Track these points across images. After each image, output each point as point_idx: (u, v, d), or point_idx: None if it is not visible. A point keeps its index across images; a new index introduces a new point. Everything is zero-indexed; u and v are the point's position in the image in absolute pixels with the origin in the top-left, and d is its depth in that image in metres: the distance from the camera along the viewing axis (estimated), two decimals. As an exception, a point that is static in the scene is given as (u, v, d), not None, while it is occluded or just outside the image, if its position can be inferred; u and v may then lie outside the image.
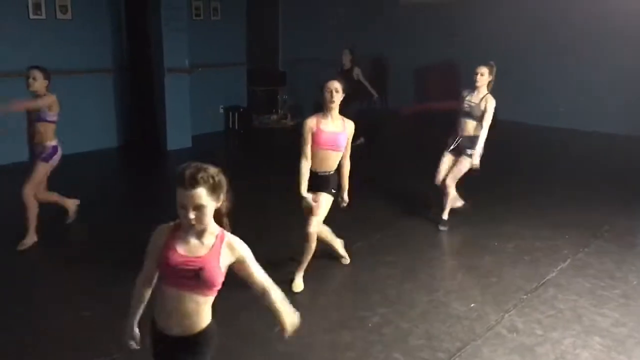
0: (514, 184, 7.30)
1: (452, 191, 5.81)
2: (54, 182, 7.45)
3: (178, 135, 9.11)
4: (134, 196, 6.32)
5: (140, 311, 2.61)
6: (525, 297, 4.50)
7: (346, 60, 9.02)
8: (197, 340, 2.47)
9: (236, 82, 10.69)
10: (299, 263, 4.58)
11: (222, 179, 2.39)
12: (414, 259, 5.23)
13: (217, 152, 8.99)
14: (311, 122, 4.49)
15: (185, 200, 2.26)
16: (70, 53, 8.41)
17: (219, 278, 2.37)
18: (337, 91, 4.51)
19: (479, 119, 5.61)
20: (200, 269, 2.32)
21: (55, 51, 8.26)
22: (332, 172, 4.54)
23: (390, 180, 7.44)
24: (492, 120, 5.67)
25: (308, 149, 4.44)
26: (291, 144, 10.71)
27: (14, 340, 3.82)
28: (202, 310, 2.44)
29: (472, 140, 5.64)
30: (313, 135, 4.44)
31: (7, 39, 7.86)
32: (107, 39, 8.91)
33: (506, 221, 6.08)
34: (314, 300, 4.44)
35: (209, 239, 2.38)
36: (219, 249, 2.37)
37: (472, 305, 4.37)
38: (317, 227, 4.49)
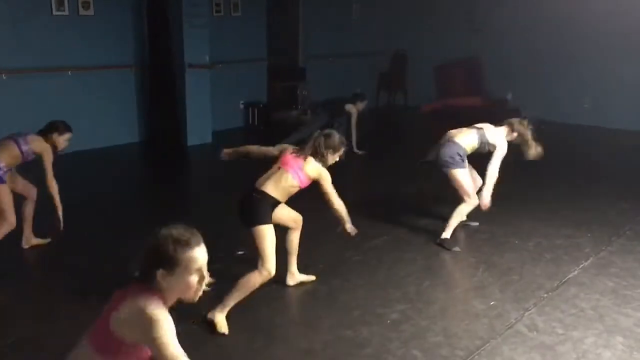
0: (535, 182, 7.21)
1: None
2: (76, 177, 7.55)
3: (198, 130, 9.15)
4: (154, 190, 6.37)
5: None
6: (546, 295, 4.45)
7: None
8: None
9: (256, 77, 10.70)
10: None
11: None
12: (433, 255, 5.20)
13: (236, 147, 8.99)
14: None
15: (202, 262, 1.99)
16: (92, 49, 8.48)
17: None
18: None
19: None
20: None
21: (78, 47, 8.35)
22: None
23: (410, 178, 7.40)
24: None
25: None
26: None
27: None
28: None
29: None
30: None
31: (31, 35, 7.95)
32: (129, 35, 8.98)
33: (527, 219, 6.01)
34: (332, 296, 4.44)
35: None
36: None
37: (492, 303, 4.33)
38: None
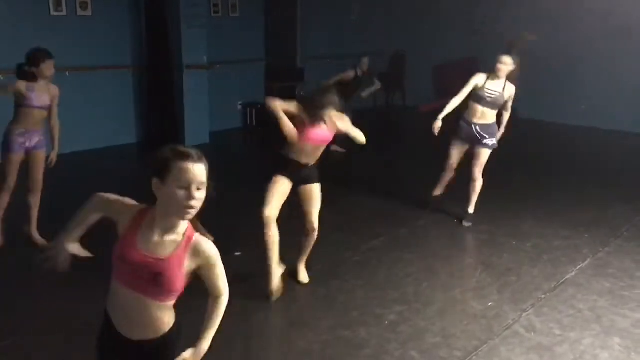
0: (533, 183, 7.23)
1: (479, 184, 5.78)
2: (74, 177, 7.54)
3: (196, 131, 9.13)
4: (152, 191, 6.34)
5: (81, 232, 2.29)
6: (544, 296, 4.46)
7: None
8: (153, 346, 2.14)
9: (254, 78, 10.69)
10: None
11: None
12: (432, 256, 5.21)
13: (234, 149, 9.01)
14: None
15: (190, 176, 1.94)
16: (90, 49, 8.47)
17: (180, 284, 2.05)
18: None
19: (500, 108, 5.63)
20: (159, 273, 1.99)
21: (76, 47, 8.33)
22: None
23: (408, 178, 7.41)
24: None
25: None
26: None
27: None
28: (159, 317, 2.10)
29: (489, 128, 5.63)
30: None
31: (29, 35, 7.93)
32: (127, 36, 8.97)
33: (525, 220, 6.02)
34: (331, 297, 4.44)
35: (175, 237, 2.05)
36: (184, 251, 2.04)
37: (490, 304, 4.34)
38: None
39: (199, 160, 1.99)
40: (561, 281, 4.71)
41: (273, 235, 4.19)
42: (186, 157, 1.97)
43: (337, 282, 4.65)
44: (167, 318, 2.13)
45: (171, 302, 2.13)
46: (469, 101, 5.67)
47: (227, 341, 3.81)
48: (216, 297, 2.16)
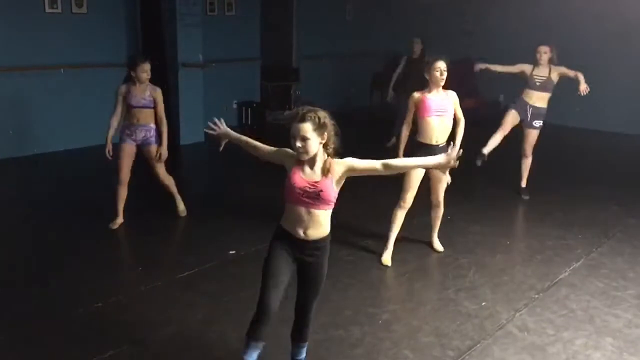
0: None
1: (529, 161, 6.74)
2: (69, 175, 7.52)
3: (191, 130, 9.12)
4: (146, 189, 6.35)
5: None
6: (537, 296, 4.47)
7: (417, 48, 9.11)
8: (319, 244, 3.06)
9: (250, 77, 10.68)
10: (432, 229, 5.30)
11: (327, 121, 2.93)
12: (425, 256, 5.22)
13: (229, 148, 8.99)
14: (417, 95, 4.87)
15: (295, 132, 2.88)
16: (85, 47, 8.45)
17: (334, 195, 2.98)
18: (445, 71, 4.82)
19: (549, 90, 6.46)
20: (320, 191, 2.92)
21: (71, 45, 8.32)
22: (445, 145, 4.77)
23: (402, 177, 7.40)
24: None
25: (410, 117, 4.93)
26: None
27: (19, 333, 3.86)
28: (323, 221, 3.03)
29: (539, 112, 6.56)
30: (418, 105, 4.84)
31: (24, 32, 7.91)
32: (122, 33, 8.95)
33: (518, 220, 6.05)
34: (324, 296, 4.39)
35: (320, 165, 2.96)
36: (329, 171, 2.94)
37: (483, 303, 4.35)
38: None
39: (299, 121, 2.87)
40: (554, 281, 4.72)
41: (399, 216, 5.01)
42: (293, 118, 2.90)
43: (331, 281, 4.61)
44: (328, 221, 3.07)
45: (330, 210, 3.04)
46: (525, 88, 6.59)
47: (220, 340, 3.81)
48: (386, 168, 3.04)
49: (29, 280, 4.62)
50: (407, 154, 4.82)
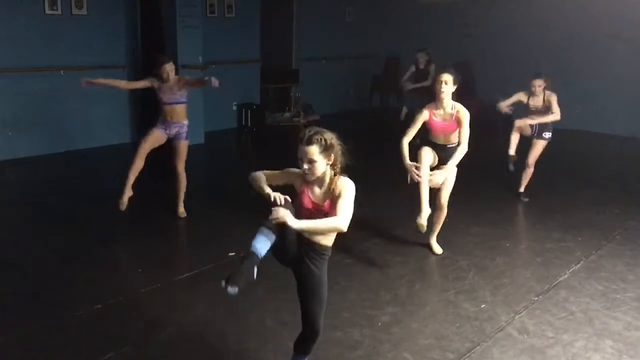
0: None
1: (531, 171, 6.73)
2: (69, 177, 7.52)
3: (191, 131, 8.98)
4: (146, 190, 6.35)
5: None
6: (536, 298, 4.47)
7: (423, 59, 9.75)
8: (321, 250, 3.12)
9: (249, 79, 10.69)
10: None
11: (334, 142, 2.93)
12: (425, 258, 5.22)
13: (229, 149, 9.01)
14: (425, 113, 5.02)
15: (301, 154, 2.91)
16: (85, 48, 8.46)
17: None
18: (446, 83, 4.87)
19: (549, 111, 6.55)
20: (327, 212, 2.97)
21: (70, 46, 8.33)
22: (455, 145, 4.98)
23: (401, 180, 7.41)
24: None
25: (412, 131, 5.06)
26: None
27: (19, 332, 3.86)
28: (329, 234, 3.08)
29: (545, 126, 6.64)
30: (426, 123, 5.03)
31: (24, 34, 7.92)
32: (122, 35, 8.96)
33: (518, 222, 6.05)
34: (323, 298, 4.43)
35: (327, 185, 3.00)
36: (334, 193, 2.96)
37: (483, 306, 4.35)
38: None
39: (306, 144, 2.88)
40: (554, 283, 4.72)
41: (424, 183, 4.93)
42: (300, 140, 2.90)
43: (329, 284, 4.60)
44: (334, 235, 3.10)
45: None
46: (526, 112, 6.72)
47: (219, 342, 3.82)
48: (334, 217, 2.92)
49: (29, 282, 4.61)
50: (415, 152, 5.08)
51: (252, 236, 2.77)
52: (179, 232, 5.88)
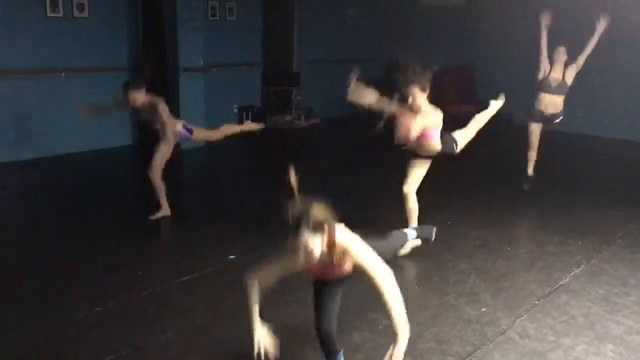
0: (527, 189, 7.23)
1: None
2: (70, 179, 7.53)
3: (192, 133, 9.11)
4: (147, 193, 6.36)
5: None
6: (537, 302, 4.46)
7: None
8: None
9: (251, 82, 10.70)
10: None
11: (322, 215, 2.74)
12: (425, 261, 5.21)
13: (230, 151, 9.00)
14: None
15: (296, 245, 2.74)
16: (87, 51, 8.47)
17: (348, 269, 3.07)
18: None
19: (564, 93, 6.74)
20: (337, 279, 3.11)
21: (72, 49, 8.33)
22: None
23: (402, 183, 7.39)
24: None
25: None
26: (304, 145, 10.72)
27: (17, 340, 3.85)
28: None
29: (556, 115, 6.86)
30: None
31: (25, 36, 7.93)
32: (123, 37, 8.97)
33: (519, 225, 6.04)
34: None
35: (329, 253, 2.87)
36: (338, 250, 2.88)
37: (484, 309, 4.34)
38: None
39: (296, 229, 2.70)
40: (555, 287, 4.71)
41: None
42: (298, 227, 2.71)
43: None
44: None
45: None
46: (538, 91, 6.83)
47: (220, 345, 3.81)
48: (385, 290, 3.09)
49: (28, 285, 4.61)
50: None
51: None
52: (179, 235, 5.87)
